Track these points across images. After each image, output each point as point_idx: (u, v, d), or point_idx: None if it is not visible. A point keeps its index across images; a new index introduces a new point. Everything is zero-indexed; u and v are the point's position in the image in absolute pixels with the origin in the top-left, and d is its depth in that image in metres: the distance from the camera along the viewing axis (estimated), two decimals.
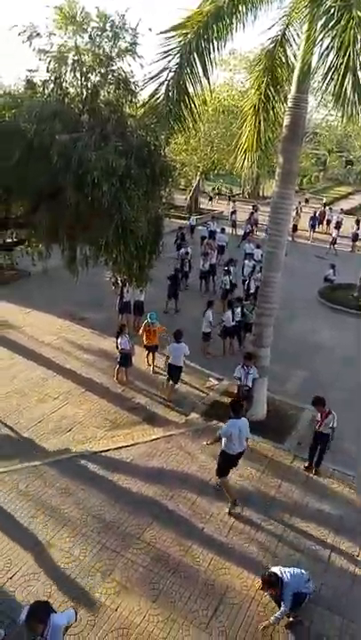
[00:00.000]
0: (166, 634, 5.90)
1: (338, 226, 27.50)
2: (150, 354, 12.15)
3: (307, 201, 34.40)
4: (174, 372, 10.81)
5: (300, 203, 31.31)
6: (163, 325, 12.29)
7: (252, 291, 15.77)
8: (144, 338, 12.05)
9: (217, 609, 6.26)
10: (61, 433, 9.55)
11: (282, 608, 5.86)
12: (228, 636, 5.93)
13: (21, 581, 6.43)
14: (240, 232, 26.14)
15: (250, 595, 6.48)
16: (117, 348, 11.36)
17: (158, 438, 9.45)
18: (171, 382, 10.98)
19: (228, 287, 16.29)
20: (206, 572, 6.76)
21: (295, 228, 26.14)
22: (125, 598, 6.30)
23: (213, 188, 37.39)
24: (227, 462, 7.85)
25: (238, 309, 13.29)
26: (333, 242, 25.20)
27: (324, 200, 37.54)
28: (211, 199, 34.11)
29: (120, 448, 9.09)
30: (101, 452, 8.98)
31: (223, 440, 7.72)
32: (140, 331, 12.17)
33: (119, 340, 11.28)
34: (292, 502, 8.12)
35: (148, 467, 8.68)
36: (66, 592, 6.32)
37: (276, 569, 6.05)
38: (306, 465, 8.92)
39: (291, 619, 6.05)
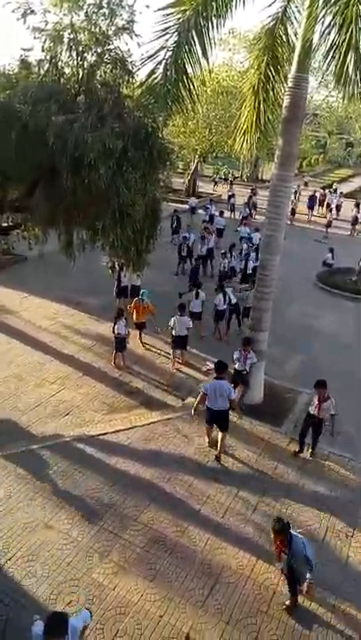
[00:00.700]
0: (163, 612, 6.02)
1: (338, 209, 27.38)
2: (140, 331, 12.44)
3: (306, 184, 34.11)
4: (179, 341, 11.68)
5: (298, 186, 31.07)
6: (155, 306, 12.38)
7: (249, 272, 15.76)
8: (133, 314, 12.33)
9: (213, 588, 6.37)
10: (59, 417, 9.60)
11: (308, 565, 5.75)
12: (224, 614, 6.05)
13: (20, 562, 6.53)
14: (238, 216, 25.96)
15: (245, 574, 6.60)
16: (113, 332, 11.35)
17: (156, 422, 9.52)
18: (179, 351, 11.78)
19: (226, 270, 16.24)
20: (203, 552, 6.87)
21: (293, 211, 25.98)
22: (123, 578, 6.41)
23: (217, 173, 36.69)
24: (210, 416, 8.73)
25: (230, 291, 13.29)
26: (328, 224, 25.04)
27: (325, 183, 37.26)
28: (216, 183, 33.05)
29: (118, 431, 9.16)
30: (99, 435, 9.05)
31: (207, 398, 8.57)
32: (130, 307, 12.48)
33: (116, 325, 11.27)
34: (288, 484, 8.22)
35: (146, 450, 8.75)
36: (64, 573, 6.42)
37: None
38: (296, 450, 8.93)
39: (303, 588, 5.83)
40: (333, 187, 34.02)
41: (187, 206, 25.51)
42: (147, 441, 8.97)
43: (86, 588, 6.26)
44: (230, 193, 28.46)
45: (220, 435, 8.71)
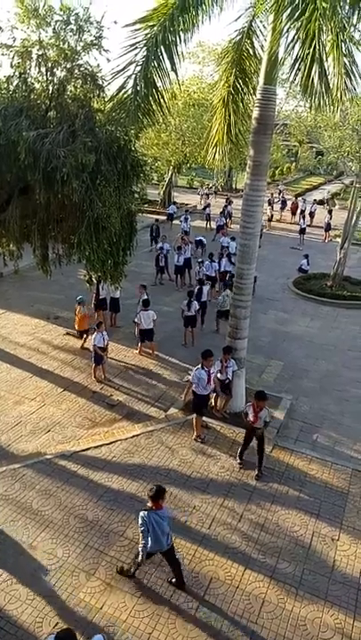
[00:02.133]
0: (152, 628, 5.93)
1: (311, 215, 27.90)
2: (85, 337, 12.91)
3: (280, 193, 34.62)
4: (146, 334, 12.48)
5: (272, 194, 31.58)
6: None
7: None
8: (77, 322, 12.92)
9: (202, 600, 6.31)
10: (40, 434, 9.45)
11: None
12: (214, 627, 6.00)
13: (4, 586, 6.36)
14: (214, 225, 26.19)
15: (234, 584, 6.56)
16: (92, 345, 11.27)
17: (139, 434, 9.45)
18: (145, 342, 12.56)
19: (203, 278, 16.32)
20: (190, 564, 6.80)
21: (270, 218, 26.44)
22: (110, 596, 6.30)
23: (207, 186, 36.86)
24: (198, 401, 9.28)
25: (195, 300, 13.50)
26: (302, 231, 25.48)
27: (298, 191, 37.91)
28: (208, 196, 32.34)
29: (100, 446, 9.05)
30: (81, 451, 8.92)
31: (194, 385, 9.20)
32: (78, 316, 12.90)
33: (93, 337, 11.22)
34: (273, 491, 8.23)
35: (130, 463, 8.67)
36: (49, 594, 6.28)
37: None
38: (239, 462, 8.72)
39: None
40: (301, 198, 34.68)
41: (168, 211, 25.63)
42: (130, 454, 8.89)
43: (73, 608, 6.12)
44: (206, 203, 28.73)
45: (220, 400, 10.04)
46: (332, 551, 7.17)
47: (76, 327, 13.02)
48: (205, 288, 14.40)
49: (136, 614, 6.08)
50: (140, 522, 5.98)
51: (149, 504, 6.04)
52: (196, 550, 7.02)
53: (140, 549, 6.13)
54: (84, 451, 8.93)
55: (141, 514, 5.98)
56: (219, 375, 9.78)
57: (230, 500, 7.96)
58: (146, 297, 13.00)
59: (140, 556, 6.17)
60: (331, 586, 6.63)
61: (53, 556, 6.82)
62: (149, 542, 5.99)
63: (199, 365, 9.20)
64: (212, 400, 10.14)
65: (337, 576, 6.79)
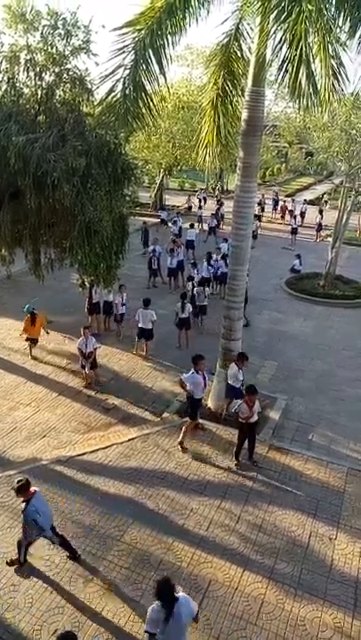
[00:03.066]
0: None
1: (302, 216, 28.02)
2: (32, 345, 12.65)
3: (276, 194, 34.64)
4: (144, 332, 12.52)
5: (263, 195, 31.66)
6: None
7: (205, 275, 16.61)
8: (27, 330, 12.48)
9: (201, 603, 6.29)
10: (36, 440, 9.40)
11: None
12: (214, 629, 5.98)
13: (1, 594, 6.31)
14: (206, 227, 26.23)
15: (233, 586, 6.55)
16: (85, 349, 11.21)
17: (134, 438, 9.42)
18: (143, 342, 12.62)
19: (193, 277, 16.34)
20: (189, 567, 6.79)
21: (259, 218, 26.50)
22: (109, 601, 6.27)
23: (214, 188, 36.52)
24: (194, 405, 9.16)
25: (188, 301, 13.60)
26: (294, 231, 25.58)
27: (288, 192, 38.05)
28: (205, 200, 31.03)
29: (96, 451, 9.02)
30: (77, 456, 8.88)
31: (189, 388, 9.01)
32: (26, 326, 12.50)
33: (78, 342, 11.17)
34: (270, 491, 8.24)
35: (126, 467, 8.64)
36: (47, 601, 6.24)
37: None
38: (236, 463, 8.76)
39: None
40: (291, 198, 34.67)
41: (156, 219, 25.59)
42: (126, 458, 8.87)
43: (71, 614, 6.09)
44: (190, 204, 28.82)
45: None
46: (329, 550, 7.18)
47: (28, 334, 12.43)
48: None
49: (135, 619, 6.05)
50: (29, 518, 6.18)
51: (21, 499, 6.29)
52: (194, 553, 7.00)
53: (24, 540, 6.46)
54: (79, 455, 8.89)
55: (25, 510, 6.22)
56: (232, 382, 9.80)
57: (227, 501, 7.96)
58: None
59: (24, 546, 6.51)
60: (329, 585, 6.64)
61: (51, 562, 6.78)
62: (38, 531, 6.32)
63: (192, 370, 9.03)
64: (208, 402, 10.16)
65: (335, 575, 6.80)
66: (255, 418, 8.59)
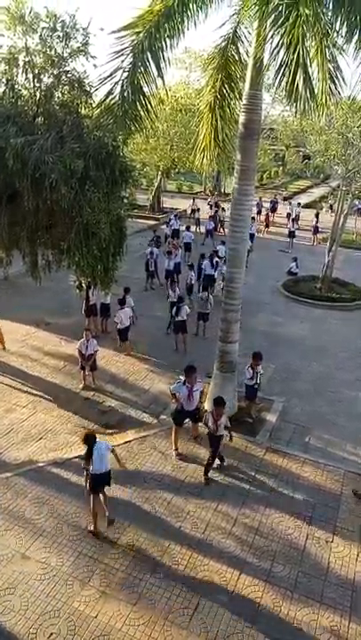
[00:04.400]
0: (148, 636, 5.88)
1: (296, 219, 28.00)
2: None
3: (275, 196, 34.68)
4: (125, 332, 12.76)
5: (260, 198, 31.73)
6: None
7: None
8: None
9: (198, 606, 6.28)
10: (32, 442, 9.37)
11: None
12: (210, 633, 5.97)
13: None
14: (203, 229, 26.25)
15: (229, 589, 6.54)
16: (83, 351, 11.19)
17: (131, 440, 9.40)
18: (124, 342, 12.80)
19: (192, 282, 16.37)
20: (185, 570, 6.78)
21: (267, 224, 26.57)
22: (105, 604, 6.25)
23: (211, 191, 36.45)
24: (181, 415, 9.06)
25: (186, 306, 13.54)
26: (291, 234, 25.61)
27: (285, 194, 38.11)
28: (216, 203, 30.07)
29: None
30: (74, 458, 8.84)
31: (179, 398, 8.91)
32: None
33: (86, 344, 11.15)
34: (267, 494, 8.24)
35: (123, 470, 8.60)
36: (43, 604, 6.21)
37: None
38: (205, 479, 8.40)
39: None
40: (288, 201, 34.65)
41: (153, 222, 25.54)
42: (123, 460, 8.83)
43: (67, 618, 6.06)
44: (195, 207, 28.79)
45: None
46: (326, 553, 7.18)
47: None
48: (184, 307, 13.57)
49: (131, 622, 6.04)
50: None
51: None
52: (190, 556, 6.99)
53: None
54: (76, 458, 8.84)
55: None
56: (247, 382, 9.94)
57: (224, 504, 7.95)
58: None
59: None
60: (326, 588, 6.64)
61: (47, 564, 6.75)
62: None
63: (181, 379, 8.95)
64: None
65: (332, 578, 6.80)
66: (221, 432, 8.25)
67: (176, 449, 9.05)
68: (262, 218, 29.01)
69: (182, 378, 9.09)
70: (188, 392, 8.82)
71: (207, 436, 8.52)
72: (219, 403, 8.20)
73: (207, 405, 10.33)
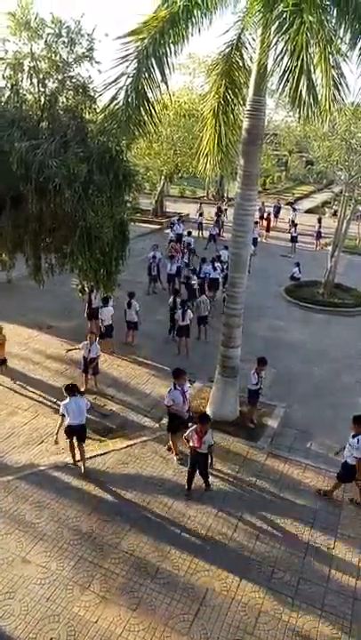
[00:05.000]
0: None
1: (294, 224, 28.00)
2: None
3: (278, 201, 34.69)
4: (109, 330, 13.00)
5: (263, 204, 31.75)
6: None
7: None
8: None
9: (198, 612, 6.25)
10: (34, 445, 9.36)
11: None
12: (210, 639, 5.93)
13: None
14: (206, 234, 26.29)
15: (230, 595, 6.51)
16: (85, 355, 11.19)
17: (132, 445, 9.39)
18: (107, 339, 12.93)
19: (195, 287, 16.38)
20: (185, 575, 6.75)
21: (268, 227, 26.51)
22: (105, 609, 6.22)
23: (214, 196, 36.35)
24: (175, 420, 8.90)
25: (188, 310, 13.50)
26: (293, 239, 25.60)
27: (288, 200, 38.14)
28: (219, 207, 30.64)
29: (94, 457, 8.98)
30: (75, 462, 8.84)
31: (170, 403, 8.75)
32: None
33: (89, 348, 11.15)
34: (268, 499, 8.21)
35: (124, 474, 8.61)
36: (43, 609, 6.19)
37: None
38: (186, 493, 8.14)
39: None
40: (292, 207, 34.65)
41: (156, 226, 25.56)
42: (124, 465, 8.83)
43: (67, 623, 6.04)
44: (202, 211, 28.84)
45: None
46: (327, 560, 7.14)
47: None
48: (188, 312, 13.49)
49: (131, 628, 6.01)
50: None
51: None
52: (191, 561, 6.96)
53: None
54: (77, 461, 8.85)
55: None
56: (251, 387, 9.94)
57: (225, 509, 7.92)
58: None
59: None
60: (327, 595, 6.60)
61: (47, 569, 6.73)
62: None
63: (172, 385, 8.82)
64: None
65: (333, 585, 6.76)
66: (204, 450, 7.86)
67: (177, 454, 9.03)
68: (264, 222, 29.07)
69: (166, 392, 8.93)
70: (182, 395, 8.76)
71: (189, 452, 8.17)
72: (204, 419, 7.82)
73: (209, 409, 10.34)
